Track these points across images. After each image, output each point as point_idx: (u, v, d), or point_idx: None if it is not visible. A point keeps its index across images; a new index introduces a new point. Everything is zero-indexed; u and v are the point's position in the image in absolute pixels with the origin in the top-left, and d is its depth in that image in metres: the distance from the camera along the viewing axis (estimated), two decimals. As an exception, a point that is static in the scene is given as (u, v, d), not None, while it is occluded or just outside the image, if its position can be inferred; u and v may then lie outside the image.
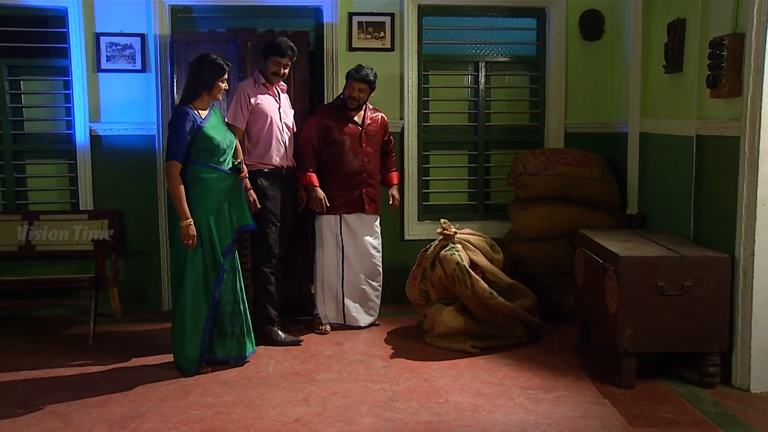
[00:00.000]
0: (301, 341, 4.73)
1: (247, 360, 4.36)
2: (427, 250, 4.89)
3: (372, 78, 4.85)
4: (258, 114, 4.65)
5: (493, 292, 4.54)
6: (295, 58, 4.72)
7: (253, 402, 3.78)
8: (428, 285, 4.78)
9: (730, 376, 3.95)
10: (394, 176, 5.17)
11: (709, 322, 3.87)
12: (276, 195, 4.74)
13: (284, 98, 4.86)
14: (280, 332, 4.74)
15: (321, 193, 4.83)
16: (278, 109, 4.75)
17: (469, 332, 4.58)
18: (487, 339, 4.59)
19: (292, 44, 4.67)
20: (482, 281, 4.56)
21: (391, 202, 5.11)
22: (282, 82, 4.82)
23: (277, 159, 4.74)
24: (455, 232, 4.77)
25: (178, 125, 4.11)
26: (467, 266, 4.57)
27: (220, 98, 4.34)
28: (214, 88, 4.21)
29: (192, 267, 4.15)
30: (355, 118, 4.93)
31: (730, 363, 3.94)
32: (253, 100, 4.63)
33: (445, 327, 4.58)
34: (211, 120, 4.22)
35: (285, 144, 4.77)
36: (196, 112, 4.17)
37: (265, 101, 4.69)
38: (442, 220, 4.83)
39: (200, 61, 4.24)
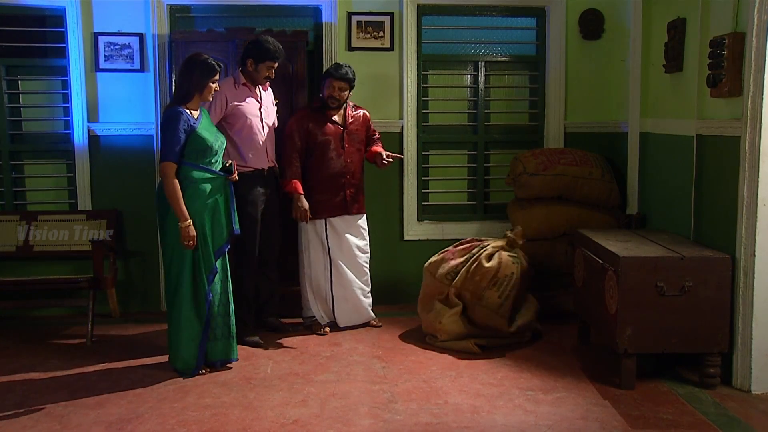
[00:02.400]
0: (262, 343, 4.63)
1: (230, 366, 4.28)
2: (481, 244, 4.77)
3: (351, 76, 4.75)
4: (237, 115, 4.56)
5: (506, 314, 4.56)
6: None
7: (252, 403, 3.77)
8: (466, 272, 4.60)
9: (730, 377, 3.94)
10: (378, 146, 4.98)
11: (710, 322, 3.86)
12: (256, 198, 4.65)
13: (266, 96, 4.77)
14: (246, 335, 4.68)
15: (305, 204, 4.73)
16: (259, 109, 4.67)
17: (471, 335, 4.56)
18: (489, 338, 4.58)
19: (279, 44, 4.60)
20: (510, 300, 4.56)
21: (386, 157, 4.86)
22: None
23: (258, 161, 4.66)
24: (521, 244, 4.75)
25: (172, 126, 4.03)
26: (516, 281, 4.56)
27: (211, 99, 4.25)
28: (205, 89, 4.12)
29: (188, 269, 4.10)
30: (336, 118, 4.84)
31: (730, 364, 3.93)
32: (232, 102, 4.54)
33: (447, 334, 4.56)
34: (202, 121, 4.16)
35: (266, 145, 4.70)
36: (189, 112, 4.10)
37: (246, 102, 4.60)
38: (519, 227, 4.80)
39: (191, 61, 4.15)
